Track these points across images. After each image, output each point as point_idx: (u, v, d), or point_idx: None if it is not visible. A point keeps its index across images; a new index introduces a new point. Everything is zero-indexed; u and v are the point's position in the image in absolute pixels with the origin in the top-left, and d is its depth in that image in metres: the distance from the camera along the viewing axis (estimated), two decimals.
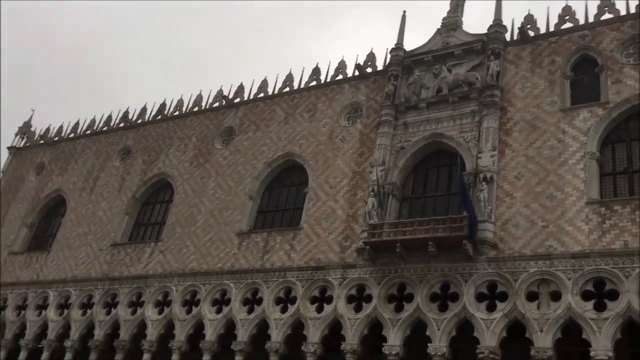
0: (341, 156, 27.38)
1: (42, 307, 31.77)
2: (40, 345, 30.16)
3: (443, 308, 21.35)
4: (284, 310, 24.55)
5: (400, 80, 27.43)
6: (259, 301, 25.27)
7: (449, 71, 26.32)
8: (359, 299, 23.21)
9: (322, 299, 23.99)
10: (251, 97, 32.76)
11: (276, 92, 31.99)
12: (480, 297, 20.88)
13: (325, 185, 26.93)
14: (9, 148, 41.22)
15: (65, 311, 30.56)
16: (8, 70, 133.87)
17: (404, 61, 27.77)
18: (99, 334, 28.66)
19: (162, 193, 33.43)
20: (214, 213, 29.48)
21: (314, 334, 23.08)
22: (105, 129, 37.88)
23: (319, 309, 23.71)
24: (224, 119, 33.06)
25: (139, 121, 36.51)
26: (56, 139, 39.81)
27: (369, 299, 22.87)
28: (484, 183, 22.29)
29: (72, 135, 39.25)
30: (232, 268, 26.88)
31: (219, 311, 26.10)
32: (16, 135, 41.56)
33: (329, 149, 27.96)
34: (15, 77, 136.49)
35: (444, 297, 21.59)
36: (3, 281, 34.05)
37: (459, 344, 20.97)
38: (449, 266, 21.74)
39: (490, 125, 23.68)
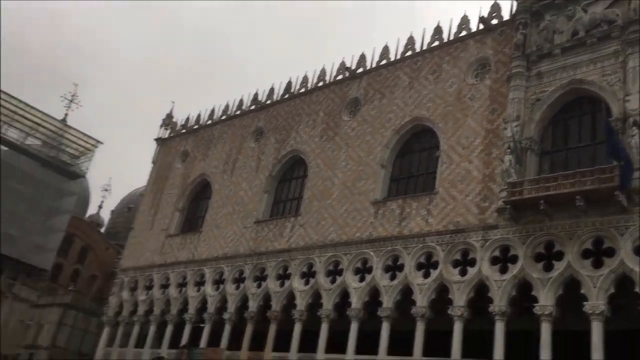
0: (471, 115, 26.55)
1: (200, 283, 34.41)
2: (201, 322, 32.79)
3: (597, 264, 20.22)
4: (426, 275, 24.58)
5: (530, 28, 25.88)
6: (401, 268, 25.50)
7: (584, 11, 24.40)
8: (503, 260, 22.65)
9: (464, 262, 23.70)
10: (373, 65, 32.62)
11: (398, 57, 31.56)
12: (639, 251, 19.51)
13: (457, 146, 26.32)
14: (156, 139, 44.60)
15: (221, 286, 32.87)
16: (143, 65, 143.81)
17: (532, 7, 26.15)
18: (252, 305, 30.54)
19: (297, 169, 34.55)
20: (348, 184, 29.98)
21: (459, 298, 22.91)
22: (238, 112, 39.69)
23: (463, 272, 23.46)
24: (349, 90, 33.27)
25: (268, 102, 37.82)
26: (196, 127, 42.38)
27: (514, 259, 22.23)
28: (634, 128, 20.59)
29: (209, 122, 41.57)
30: (371, 237, 27.28)
31: (362, 279, 26.72)
32: (160, 127, 44.84)
33: (458, 109, 27.20)
34: (150, 70, 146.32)
35: (597, 253, 20.43)
36: (164, 261, 37.30)
37: (619, 299, 19.81)
38: (600, 220, 20.48)
39: (636, 64, 21.72)
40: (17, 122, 54.67)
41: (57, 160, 56.71)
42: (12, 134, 55.13)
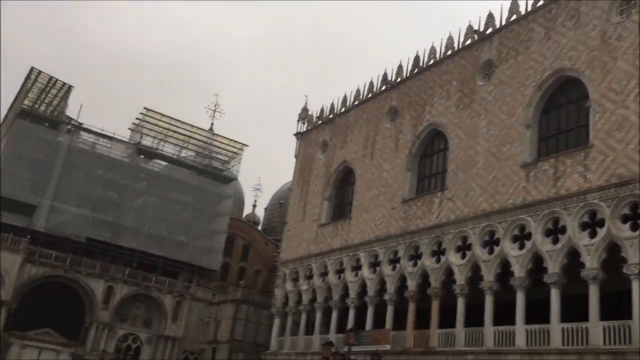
0: (621, 57, 24.29)
1: (357, 268, 35.16)
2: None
3: None
4: (592, 235, 23.04)
5: None
6: (562, 230, 24.13)
7: None
8: None
9: (634, 216, 21.85)
10: (503, 22, 30.97)
11: (529, 9, 29.66)
12: None
13: (609, 93, 24.25)
14: (295, 134, 46.12)
15: (377, 268, 33.34)
16: (269, 63, 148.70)
17: None
18: (411, 284, 30.63)
19: (436, 143, 33.93)
20: (492, 150, 28.88)
21: (634, 255, 21.22)
22: (370, 96, 39.76)
23: (634, 227, 21.65)
24: (480, 54, 31.92)
25: (398, 80, 37.45)
26: (331, 116, 43.17)
27: None
28: None
29: (343, 109, 42.12)
30: (525, 201, 26.10)
31: (521, 247, 25.70)
32: (298, 121, 46.26)
33: (605, 52, 25.01)
34: (277, 67, 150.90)
35: None
36: (320, 250, 38.59)
37: None
38: None
39: None
40: (171, 137, 59.38)
41: (210, 168, 60.81)
42: (168, 149, 60.05)
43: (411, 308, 30.42)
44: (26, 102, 52.97)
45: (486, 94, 30.53)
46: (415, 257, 31.27)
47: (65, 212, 50.35)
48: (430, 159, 34.12)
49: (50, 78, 51.90)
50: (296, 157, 45.89)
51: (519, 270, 25.24)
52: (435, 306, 29.01)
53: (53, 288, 46.98)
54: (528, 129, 27.57)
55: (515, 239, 26.16)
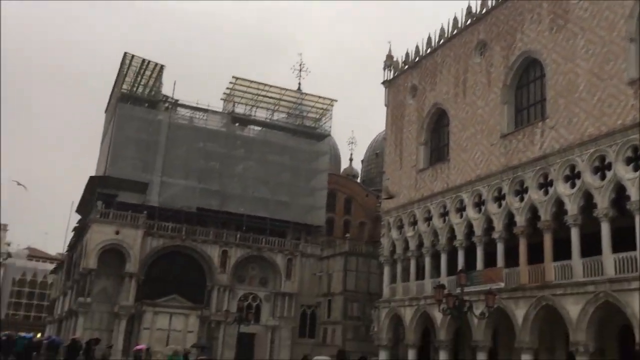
0: None
1: (461, 209, 34.74)
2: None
3: None
4: None
5: None
6: None
7: None
8: None
9: None
10: None
11: None
12: None
13: None
14: (383, 83, 45.56)
15: (482, 207, 32.78)
16: (344, 16, 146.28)
17: None
18: (520, 220, 29.90)
19: (531, 71, 32.35)
20: (594, 71, 27.15)
21: None
22: (455, 32, 38.33)
23: None
24: None
25: (484, 11, 35.78)
26: (417, 59, 42.15)
27: None
28: None
29: (428, 50, 40.96)
30: (636, 120, 24.49)
31: (636, 169, 24.34)
32: (384, 69, 45.57)
33: None
34: (353, 18, 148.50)
35: None
36: (422, 196, 38.40)
37: None
38: None
39: None
40: (262, 102, 60.61)
41: (303, 127, 61.64)
42: (261, 114, 61.42)
43: (522, 244, 29.79)
44: (124, 86, 55.82)
45: (581, 11, 28.55)
46: (521, 192, 30.39)
47: (175, 186, 53.15)
48: (527, 89, 32.66)
49: (143, 60, 54.19)
50: (386, 105, 45.43)
51: (635, 194, 23.94)
52: (547, 239, 28.23)
53: (173, 257, 50.26)
54: (632, 43, 25.62)
55: (628, 161, 24.76)
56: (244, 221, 53.67)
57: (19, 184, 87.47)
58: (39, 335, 54.82)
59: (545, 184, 28.92)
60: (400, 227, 40.29)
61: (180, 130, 55.70)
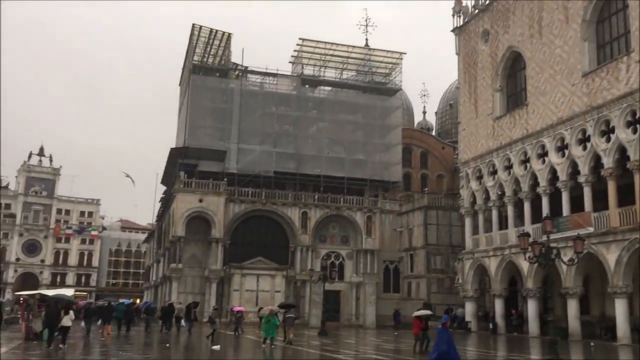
0: None
1: (543, 155, 33.59)
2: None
3: None
4: None
5: None
6: None
7: None
8: None
9: None
10: None
11: None
12: None
13: None
14: (452, 30, 44.16)
15: (566, 151, 31.55)
16: None
17: None
18: (607, 162, 28.64)
19: (613, 4, 30.40)
20: None
21: None
22: None
23: None
24: None
25: None
26: (487, 2, 40.48)
27: None
28: None
29: None
30: None
31: None
32: (453, 16, 44.11)
33: None
34: None
35: None
36: (500, 144, 37.38)
37: None
38: None
39: None
40: (330, 61, 60.22)
41: (373, 83, 60.90)
42: (330, 74, 61.09)
43: (611, 186, 28.56)
44: (195, 58, 56.91)
45: None
46: (607, 132, 29.00)
47: (251, 152, 54.23)
48: (608, 22, 30.78)
49: (211, 30, 54.92)
50: (457, 54, 44.12)
51: None
52: (638, 180, 26.89)
53: (255, 221, 51.71)
54: None
55: None
56: (321, 182, 54.22)
57: (127, 175, 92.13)
58: (138, 300, 58.37)
59: (634, 122, 27.44)
60: (480, 178, 39.52)
61: (252, 96, 56.44)
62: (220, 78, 56.73)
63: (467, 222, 40.86)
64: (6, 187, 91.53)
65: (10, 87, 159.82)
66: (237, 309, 34.49)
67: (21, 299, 33.58)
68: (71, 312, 22.66)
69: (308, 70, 59.98)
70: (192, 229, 48.82)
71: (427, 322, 22.15)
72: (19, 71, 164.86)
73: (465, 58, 42.93)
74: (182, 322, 34.50)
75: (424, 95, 77.31)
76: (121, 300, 38.47)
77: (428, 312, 24.00)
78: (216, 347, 22.89)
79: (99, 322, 30.50)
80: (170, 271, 48.52)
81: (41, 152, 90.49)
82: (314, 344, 27.48)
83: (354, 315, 51.52)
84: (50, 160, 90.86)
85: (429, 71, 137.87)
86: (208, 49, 57.07)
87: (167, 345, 25.74)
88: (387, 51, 60.08)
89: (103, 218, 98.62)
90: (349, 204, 53.59)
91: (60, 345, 21.24)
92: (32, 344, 23.31)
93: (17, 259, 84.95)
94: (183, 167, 50.70)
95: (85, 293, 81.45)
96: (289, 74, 59.93)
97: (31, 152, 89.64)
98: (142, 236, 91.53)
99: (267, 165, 53.78)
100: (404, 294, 53.09)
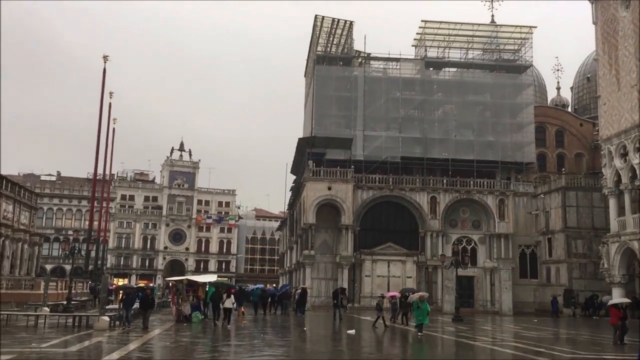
0: None
1: None
2: None
3: None
4: None
5: None
6: None
7: None
8: None
9: None
10: None
11: None
12: None
13: None
14: None
15: None
16: None
17: None
18: None
19: None
20: None
21: None
22: None
23: None
24: None
25: None
26: None
27: None
28: None
29: None
30: None
31: None
32: None
33: None
34: None
35: None
36: None
37: None
38: None
39: None
40: (454, 42, 58.59)
41: (501, 61, 58.43)
42: (454, 55, 59.43)
43: None
44: (319, 48, 57.96)
45: None
46: None
47: (377, 138, 54.35)
48: None
49: (333, 20, 55.61)
50: (594, 23, 41.09)
51: None
52: None
53: (384, 207, 51.85)
54: None
55: None
56: (449, 165, 53.13)
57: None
58: (274, 285, 60.95)
59: None
60: (624, 155, 36.68)
61: (376, 82, 56.44)
62: (343, 67, 57.33)
63: (612, 203, 38.13)
64: (152, 180, 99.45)
65: (148, 89, 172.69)
66: (391, 294, 33.74)
67: (170, 284, 36.42)
68: (232, 295, 26.16)
69: (432, 53, 58.88)
70: (322, 216, 50.01)
71: (625, 311, 20.83)
72: (151, 72, 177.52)
73: (604, 27, 39.84)
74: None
75: (558, 70, 72.91)
76: (257, 285, 40.47)
77: (626, 300, 22.63)
78: (351, 332, 23.34)
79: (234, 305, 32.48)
80: (303, 257, 50.08)
81: (181, 147, 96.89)
82: (448, 329, 27.18)
83: (489, 302, 50.13)
84: (190, 155, 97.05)
85: (562, 44, 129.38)
86: (331, 38, 57.86)
87: (305, 328, 26.68)
88: (515, 26, 57.40)
89: (239, 207, 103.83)
90: (479, 187, 52.13)
91: (225, 324, 24.73)
92: (183, 325, 25.18)
93: (165, 247, 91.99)
94: (311, 156, 51.95)
95: (226, 278, 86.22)
96: (412, 57, 59.26)
97: (173, 147, 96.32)
98: (275, 224, 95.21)
99: (393, 151, 53.68)
100: (542, 279, 50.79)
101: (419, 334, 21.68)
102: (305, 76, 69.08)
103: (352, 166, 51.32)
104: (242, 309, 31.64)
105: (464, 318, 34.01)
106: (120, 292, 30.08)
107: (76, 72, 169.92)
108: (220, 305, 25.73)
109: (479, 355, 18.63)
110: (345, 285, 47.54)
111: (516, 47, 58.74)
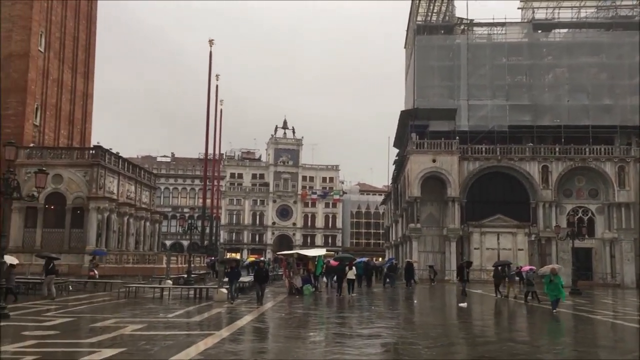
0: None
1: None
2: None
3: None
4: None
5: None
6: None
7: None
8: None
9: None
10: None
11: None
12: None
13: None
14: None
15: None
16: None
17: None
18: None
19: None
20: None
21: None
22: None
23: None
24: None
25: None
26: None
27: None
28: None
29: None
30: None
31: None
32: None
33: None
34: None
35: None
36: None
37: None
38: None
39: None
40: (564, 0, 55.18)
41: (618, 18, 54.26)
42: (565, 14, 55.91)
43: None
44: (419, 18, 56.69)
45: None
46: None
47: (482, 107, 52.59)
48: None
49: None
50: None
51: None
52: None
53: (491, 178, 50.30)
54: None
55: None
56: (562, 133, 50.48)
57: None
58: (380, 259, 61.35)
59: None
60: None
61: (480, 49, 54.46)
62: (445, 35, 55.78)
63: None
64: (259, 158, 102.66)
65: (248, 70, 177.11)
66: (526, 268, 31.57)
67: (280, 257, 37.72)
68: (354, 267, 28.27)
69: (539, 14, 55.86)
70: (427, 189, 49.45)
71: None
72: (251, 54, 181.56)
73: None
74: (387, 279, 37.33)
75: None
76: (360, 259, 40.95)
77: None
78: (463, 305, 23.11)
79: (335, 278, 33.13)
80: (410, 231, 49.88)
81: (285, 125, 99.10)
82: (566, 303, 26.13)
83: (609, 274, 47.51)
84: (293, 132, 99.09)
85: None
86: (431, 7, 56.46)
87: (415, 301, 26.73)
88: None
89: (342, 182, 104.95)
90: (595, 154, 49.25)
91: (350, 294, 26.71)
92: (295, 298, 26.06)
93: (273, 223, 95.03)
94: (414, 128, 51.32)
95: (332, 252, 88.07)
96: (519, 20, 56.51)
97: (277, 126, 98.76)
98: (379, 198, 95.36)
99: (500, 119, 51.80)
100: None
101: (554, 310, 20.36)
102: (405, 47, 67.97)
103: (457, 137, 50.16)
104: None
105: (582, 291, 32.57)
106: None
107: (186, 56, 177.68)
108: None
109: (599, 329, 17.82)
110: (454, 259, 46.97)
111: (635, 2, 54.31)
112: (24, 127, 41.69)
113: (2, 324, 14.46)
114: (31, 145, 41.96)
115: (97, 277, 31.25)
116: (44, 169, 20.35)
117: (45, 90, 44.85)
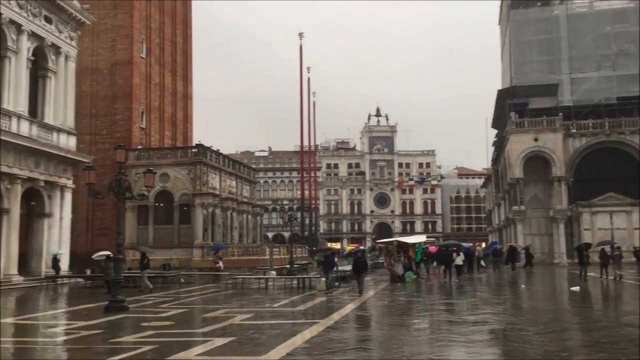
0: None
1: None
2: None
3: None
4: None
5: None
6: None
7: None
8: None
9: None
10: None
11: None
12: None
13: None
14: None
15: None
16: None
17: None
18: None
19: None
20: None
21: None
22: None
23: None
24: None
25: None
26: None
27: None
28: None
29: None
30: None
31: None
32: None
33: None
34: None
35: None
36: None
37: None
38: None
39: None
40: None
41: None
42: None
43: None
44: None
45: None
46: None
47: (587, 80, 49.72)
48: None
49: None
50: None
51: None
52: None
53: (600, 154, 47.46)
54: None
55: None
56: None
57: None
58: (483, 244, 59.76)
59: None
60: None
61: (581, 19, 51.42)
62: (542, 7, 53.19)
63: None
64: (353, 148, 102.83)
65: (336, 60, 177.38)
66: None
67: (380, 246, 37.68)
68: (462, 253, 29.42)
69: None
70: (530, 170, 47.49)
71: None
72: (338, 45, 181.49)
73: None
74: (482, 263, 37.96)
75: None
76: (464, 244, 40.03)
77: None
78: (575, 289, 22.06)
79: (434, 264, 32.73)
80: (513, 213, 48.18)
81: (378, 113, 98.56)
82: None
83: None
84: (387, 119, 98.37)
85: None
86: None
87: (522, 286, 25.80)
88: None
89: (440, 167, 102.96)
90: None
91: (455, 279, 27.25)
92: (397, 285, 25.92)
93: (371, 211, 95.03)
94: (513, 107, 49.39)
95: (433, 239, 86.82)
96: None
97: (370, 114, 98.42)
98: (479, 181, 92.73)
99: (607, 92, 48.74)
100: None
101: None
102: (499, 24, 65.43)
103: (560, 113, 47.76)
104: (440, 268, 31.54)
105: None
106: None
107: (278, 52, 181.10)
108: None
109: None
110: (563, 242, 44.91)
111: None
112: (132, 131, 44.22)
113: (122, 316, 15.48)
114: (139, 147, 44.45)
115: (222, 269, 32.15)
116: (151, 169, 21.39)
117: (149, 94, 47.30)
